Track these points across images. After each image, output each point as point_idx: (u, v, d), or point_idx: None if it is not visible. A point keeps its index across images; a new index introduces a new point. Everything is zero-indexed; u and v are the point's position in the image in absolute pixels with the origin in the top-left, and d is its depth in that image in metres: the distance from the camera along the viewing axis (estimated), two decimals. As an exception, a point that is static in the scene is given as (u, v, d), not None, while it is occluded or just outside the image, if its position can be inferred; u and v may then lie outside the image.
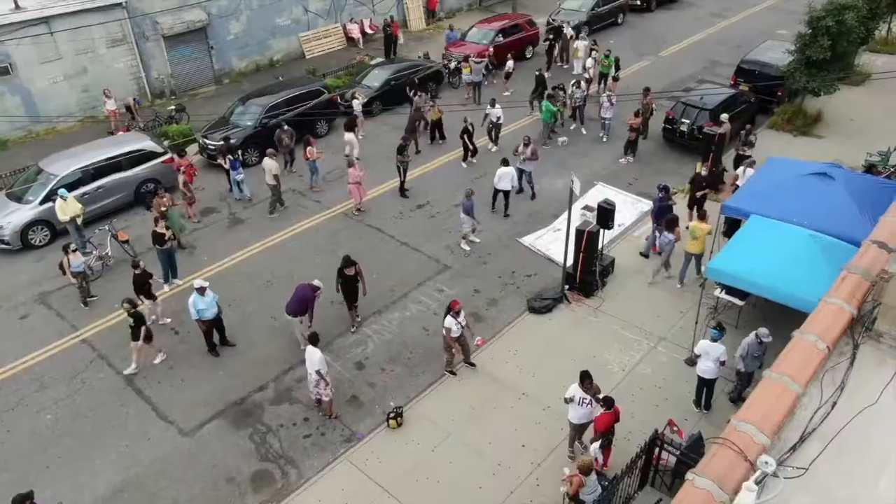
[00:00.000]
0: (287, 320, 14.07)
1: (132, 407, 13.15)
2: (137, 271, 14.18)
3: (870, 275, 6.68)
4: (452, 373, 13.54)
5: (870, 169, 18.84)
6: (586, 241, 15.02)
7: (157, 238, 15.41)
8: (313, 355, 12.14)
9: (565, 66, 28.03)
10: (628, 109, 21.77)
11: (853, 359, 6.15)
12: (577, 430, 11.61)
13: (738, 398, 12.36)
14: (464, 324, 12.97)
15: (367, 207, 18.83)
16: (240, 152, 20.02)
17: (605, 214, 15.18)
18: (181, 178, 18.51)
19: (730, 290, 13.98)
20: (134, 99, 23.78)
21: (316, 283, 13.98)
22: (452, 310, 12.78)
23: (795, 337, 6.01)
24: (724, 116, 20.06)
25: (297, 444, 12.33)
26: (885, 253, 7.02)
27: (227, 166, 19.19)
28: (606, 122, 22.10)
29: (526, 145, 18.65)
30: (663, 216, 16.25)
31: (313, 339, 12.31)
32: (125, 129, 22.43)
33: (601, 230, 15.20)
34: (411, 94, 23.00)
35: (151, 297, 14.58)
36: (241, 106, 22.16)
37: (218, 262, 17.06)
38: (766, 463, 4.37)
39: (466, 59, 25.10)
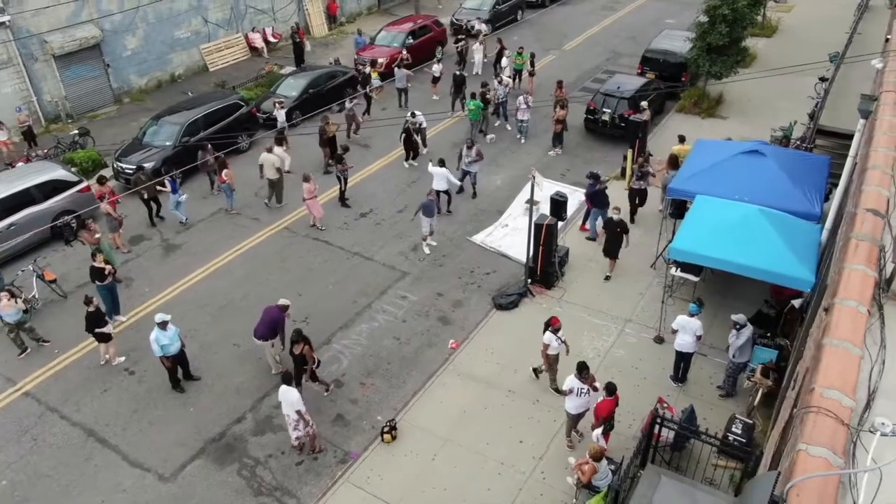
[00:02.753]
0: (256, 345, 13.43)
1: (99, 458, 12.10)
2: (91, 308, 13.04)
3: (877, 240, 7.26)
4: (558, 390, 12.68)
5: (774, 143, 20.40)
6: (545, 234, 15.32)
7: (97, 273, 14.25)
8: (290, 395, 11.31)
9: (473, 63, 28.36)
10: (544, 110, 22.30)
11: (883, 319, 6.64)
12: (574, 420, 11.84)
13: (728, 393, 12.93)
14: (563, 339, 12.52)
15: (311, 220, 18.20)
16: (178, 172, 18.68)
17: (558, 206, 15.58)
18: (105, 207, 17.19)
19: (685, 268, 14.74)
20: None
21: (283, 302, 13.41)
22: (552, 326, 12.39)
23: (837, 305, 6.41)
24: (644, 104, 21.11)
25: (290, 473, 11.81)
26: (879, 219, 7.63)
27: (167, 189, 17.99)
28: (523, 124, 22.21)
29: (469, 147, 18.79)
30: (599, 199, 17.10)
31: (286, 379, 11.42)
32: (24, 158, 20.53)
33: (557, 222, 15.58)
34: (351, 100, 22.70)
35: (106, 338, 13.48)
36: (155, 125, 20.87)
37: (162, 293, 16.00)
38: (884, 424, 4.66)
39: (374, 63, 25.02)
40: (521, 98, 21.98)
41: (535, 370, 13.33)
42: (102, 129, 23.22)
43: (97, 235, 15.43)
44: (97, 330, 13.33)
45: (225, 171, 18.57)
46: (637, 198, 17.72)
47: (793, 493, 4.69)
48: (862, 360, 5.94)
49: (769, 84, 25.44)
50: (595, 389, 11.45)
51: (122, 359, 14.01)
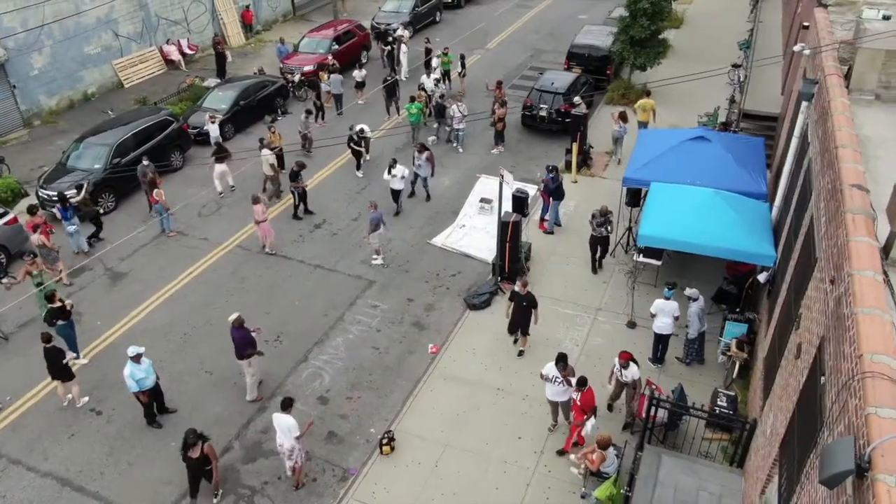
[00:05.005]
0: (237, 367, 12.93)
1: (79, 509, 11.29)
2: (48, 346, 12.11)
3: (869, 212, 7.81)
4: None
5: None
6: (511, 232, 15.49)
7: (57, 313, 13.27)
8: (285, 422, 10.78)
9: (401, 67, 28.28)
10: (478, 110, 22.59)
11: (890, 285, 7.16)
12: (553, 406, 12.10)
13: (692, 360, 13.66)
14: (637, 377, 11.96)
15: (261, 242, 17.54)
16: (69, 202, 17.30)
17: (521, 202, 15.84)
18: (38, 239, 15.99)
19: (647, 253, 15.30)
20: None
21: (231, 318, 12.58)
22: (620, 360, 11.92)
23: (856, 275, 6.85)
24: (578, 99, 21.70)
25: (290, 498, 11.41)
26: (864, 193, 8.21)
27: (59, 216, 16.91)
28: (459, 133, 21.96)
29: (420, 152, 18.74)
30: (559, 191, 17.51)
31: (285, 404, 10.92)
32: (-68, 193, 18.81)
33: (522, 219, 15.81)
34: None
35: (69, 376, 12.56)
36: (79, 148, 19.58)
37: (116, 325, 15.07)
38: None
39: (324, 67, 24.56)
40: (454, 107, 21.69)
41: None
42: (16, 156, 21.59)
43: (34, 272, 14.41)
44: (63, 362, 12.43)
45: (156, 190, 17.71)
46: (599, 246, 16.10)
47: (877, 455, 4.98)
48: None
49: (686, 72, 26.75)
50: (569, 384, 11.57)
51: (86, 399, 13.11)
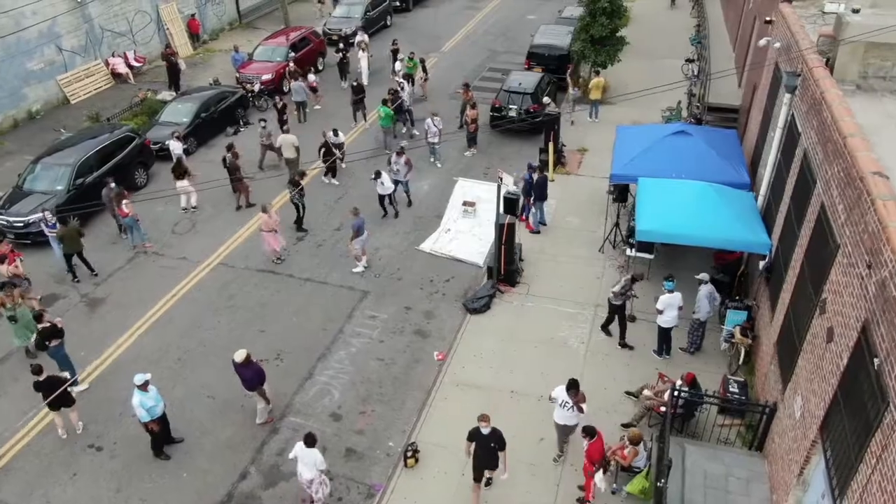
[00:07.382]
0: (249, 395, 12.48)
1: (93, 552, 10.65)
2: (41, 378, 11.38)
3: (896, 198, 8.17)
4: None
5: (668, 122, 22.08)
6: (506, 234, 15.50)
7: (50, 333, 12.53)
8: (312, 456, 10.38)
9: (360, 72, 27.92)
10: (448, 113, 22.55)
11: (930, 267, 7.48)
12: (561, 431, 11.66)
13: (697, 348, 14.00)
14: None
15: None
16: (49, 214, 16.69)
17: (512, 204, 15.87)
18: (5, 268, 15.07)
19: (639, 248, 15.59)
20: None
21: (237, 358, 11.89)
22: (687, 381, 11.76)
23: (900, 258, 7.16)
24: (547, 99, 21.97)
25: (319, 520, 11.09)
26: (885, 179, 8.58)
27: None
28: (435, 146, 21.45)
29: (399, 155, 18.53)
30: (542, 191, 17.67)
31: (309, 441, 10.44)
32: None
33: (516, 220, 15.84)
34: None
35: (70, 402, 11.87)
36: (36, 169, 18.48)
37: (103, 355, 14.30)
38: None
39: (292, 74, 24.06)
40: (428, 121, 21.11)
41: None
42: (-38, 180, 20.24)
43: (7, 305, 13.64)
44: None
45: (125, 202, 16.97)
46: (617, 315, 14.14)
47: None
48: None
49: (641, 70, 27.45)
50: (581, 410, 11.19)
51: (81, 423, 12.44)
